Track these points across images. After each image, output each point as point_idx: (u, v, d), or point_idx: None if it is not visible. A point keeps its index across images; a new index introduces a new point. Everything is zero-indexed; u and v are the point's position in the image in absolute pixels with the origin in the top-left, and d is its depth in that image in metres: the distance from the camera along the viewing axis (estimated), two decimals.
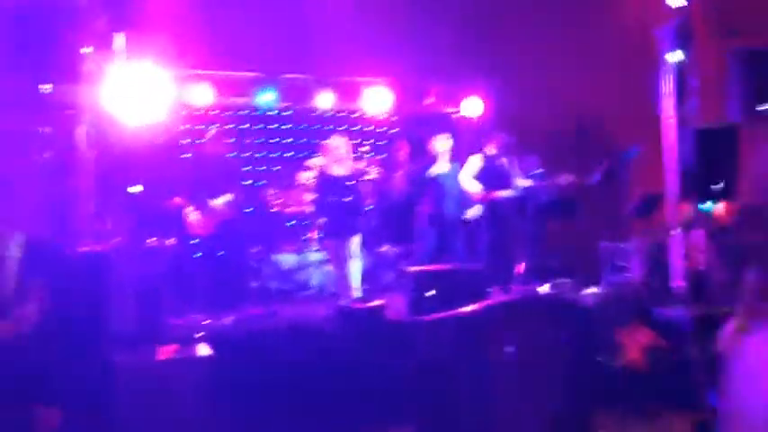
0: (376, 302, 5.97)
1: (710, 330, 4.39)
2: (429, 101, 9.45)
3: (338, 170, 6.91)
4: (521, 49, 9.14)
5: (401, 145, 8.94)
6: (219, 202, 6.35)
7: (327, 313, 5.88)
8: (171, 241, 6.25)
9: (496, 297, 4.77)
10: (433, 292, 5.76)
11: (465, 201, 7.46)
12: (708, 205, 6.86)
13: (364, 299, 6.19)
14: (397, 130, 10.33)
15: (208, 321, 5.69)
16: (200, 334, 5.17)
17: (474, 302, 5.81)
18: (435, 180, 7.36)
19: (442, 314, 4.71)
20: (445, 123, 9.58)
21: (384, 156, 8.19)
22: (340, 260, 6.87)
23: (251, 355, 5.22)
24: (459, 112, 9.60)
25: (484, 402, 4.57)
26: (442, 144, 7.42)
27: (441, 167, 7.40)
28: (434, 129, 7.97)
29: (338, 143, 6.96)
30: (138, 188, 5.61)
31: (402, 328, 5.61)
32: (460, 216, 7.31)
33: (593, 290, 7.39)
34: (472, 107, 9.51)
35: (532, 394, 4.60)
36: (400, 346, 5.38)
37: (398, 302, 6.13)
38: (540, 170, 6.81)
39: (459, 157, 7.57)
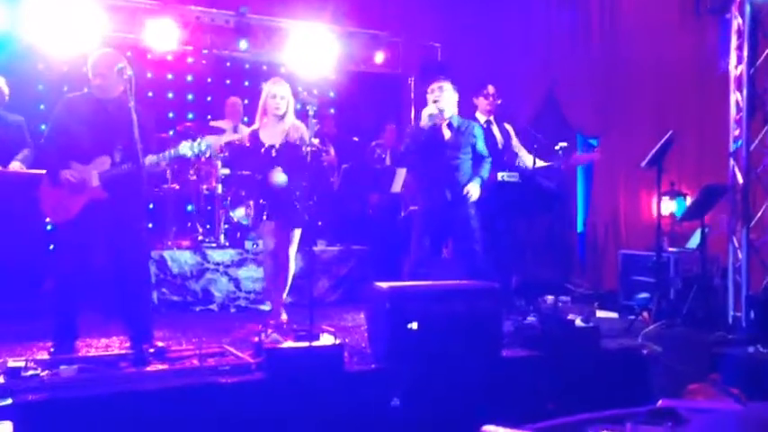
0: (326, 340, 3.67)
1: None
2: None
3: (272, 134, 4.57)
4: None
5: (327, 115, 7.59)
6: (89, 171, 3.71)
7: (242, 361, 3.54)
8: None
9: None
10: (414, 325, 3.58)
11: None
12: None
13: (305, 332, 3.74)
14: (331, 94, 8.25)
15: (38, 371, 3.19)
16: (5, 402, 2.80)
17: (488, 344, 3.68)
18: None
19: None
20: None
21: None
22: (277, 260, 4.55)
23: None
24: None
25: None
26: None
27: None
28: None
29: (277, 91, 4.51)
30: None
31: (375, 392, 3.40)
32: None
33: (609, 314, 5.49)
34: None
35: None
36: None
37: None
38: (564, 144, 4.67)
39: None
